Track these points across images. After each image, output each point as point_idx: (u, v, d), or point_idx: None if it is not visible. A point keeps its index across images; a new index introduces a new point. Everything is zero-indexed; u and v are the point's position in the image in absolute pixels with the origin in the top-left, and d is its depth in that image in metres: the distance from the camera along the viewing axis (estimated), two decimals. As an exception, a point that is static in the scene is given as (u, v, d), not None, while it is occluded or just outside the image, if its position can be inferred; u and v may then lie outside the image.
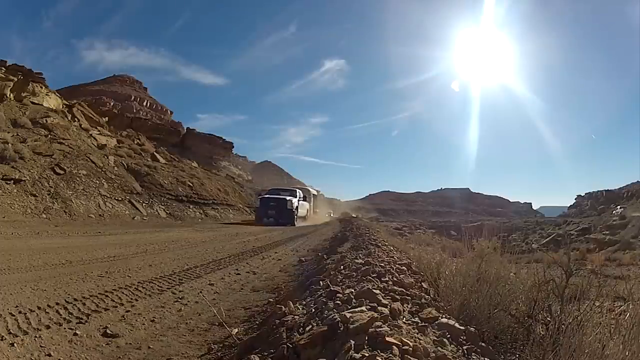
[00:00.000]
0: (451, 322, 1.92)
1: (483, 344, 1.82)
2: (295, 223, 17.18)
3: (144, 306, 3.04)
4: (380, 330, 1.54)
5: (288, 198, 17.62)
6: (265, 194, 21.70)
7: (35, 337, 2.21)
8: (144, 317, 2.79)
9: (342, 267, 3.71)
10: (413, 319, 1.95)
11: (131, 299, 3.19)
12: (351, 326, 1.61)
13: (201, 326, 2.73)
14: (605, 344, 1.72)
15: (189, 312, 3.03)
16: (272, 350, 1.75)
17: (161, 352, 2.25)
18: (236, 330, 2.60)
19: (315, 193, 29.99)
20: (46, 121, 16.29)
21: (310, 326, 1.90)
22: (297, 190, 20.43)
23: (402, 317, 1.95)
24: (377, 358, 1.35)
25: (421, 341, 1.61)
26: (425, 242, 11.12)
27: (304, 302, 2.62)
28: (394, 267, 3.52)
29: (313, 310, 2.29)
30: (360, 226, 13.41)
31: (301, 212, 19.03)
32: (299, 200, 18.69)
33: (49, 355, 2.04)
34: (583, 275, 2.62)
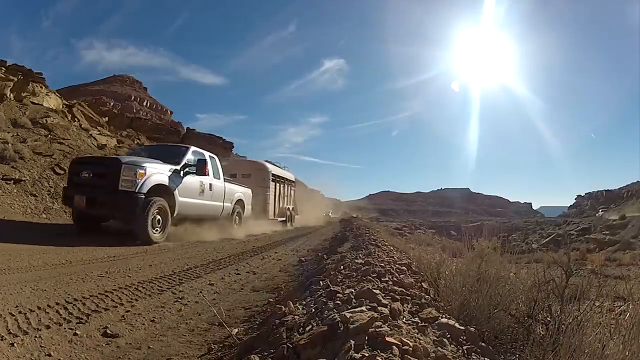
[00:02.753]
0: (451, 322, 1.92)
1: (483, 344, 1.82)
2: (153, 234, 6.65)
3: (144, 306, 3.04)
4: (380, 330, 1.55)
5: (127, 161, 6.64)
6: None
7: (35, 337, 2.21)
8: (144, 317, 2.78)
9: (342, 267, 3.71)
10: (413, 319, 1.95)
11: (131, 299, 3.19)
12: (351, 326, 1.61)
13: (201, 326, 2.73)
14: (605, 344, 1.72)
15: (189, 312, 3.03)
16: (272, 350, 1.75)
17: (161, 352, 2.25)
18: (236, 330, 2.60)
19: (291, 177, 17.79)
20: (46, 121, 16.28)
21: (310, 326, 1.90)
22: (196, 151, 8.43)
23: (402, 317, 1.95)
24: (377, 358, 1.35)
25: (421, 341, 1.61)
26: (425, 242, 11.14)
27: (304, 302, 2.62)
28: (394, 267, 3.52)
29: (313, 310, 2.29)
30: (360, 226, 13.41)
31: (202, 204, 8.19)
32: (183, 172, 7.53)
33: (49, 355, 2.04)
34: (583, 275, 2.62)
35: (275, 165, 16.60)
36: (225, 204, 9.38)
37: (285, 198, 16.97)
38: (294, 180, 18.88)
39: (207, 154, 8.86)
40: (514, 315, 2.23)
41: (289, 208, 17.24)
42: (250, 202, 11.20)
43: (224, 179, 9.56)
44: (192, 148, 8.44)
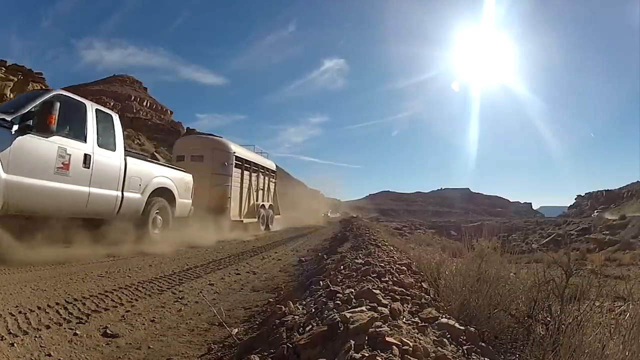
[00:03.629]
0: (451, 322, 1.92)
1: (483, 344, 1.82)
2: None
3: (144, 306, 3.04)
4: (380, 330, 1.55)
5: None
6: None
7: (35, 337, 2.21)
8: (144, 317, 2.79)
9: (342, 267, 3.71)
10: (413, 319, 1.95)
11: (131, 299, 3.19)
12: (351, 326, 1.61)
13: (201, 326, 2.73)
14: (605, 344, 1.72)
15: (189, 312, 3.03)
16: (272, 350, 1.75)
17: (161, 352, 2.25)
18: (236, 330, 2.60)
19: (269, 166, 14.08)
20: (46, 121, 16.30)
21: (310, 326, 1.90)
22: (59, 95, 4.71)
23: (402, 317, 1.96)
24: (377, 358, 1.35)
25: (421, 341, 1.61)
26: (425, 242, 11.14)
27: (304, 302, 2.62)
28: (394, 267, 3.52)
29: (313, 310, 2.29)
30: (360, 226, 13.42)
31: (64, 191, 4.63)
32: (19, 127, 4.14)
33: (49, 355, 2.04)
34: (583, 275, 2.62)
35: (247, 149, 12.50)
36: (126, 194, 5.68)
37: (260, 192, 12.86)
38: (274, 169, 14.70)
39: (89, 105, 5.24)
40: (514, 315, 2.23)
41: (263, 206, 12.95)
42: (190, 194, 7.43)
43: (129, 152, 6.08)
44: (55, 92, 4.87)
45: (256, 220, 12.23)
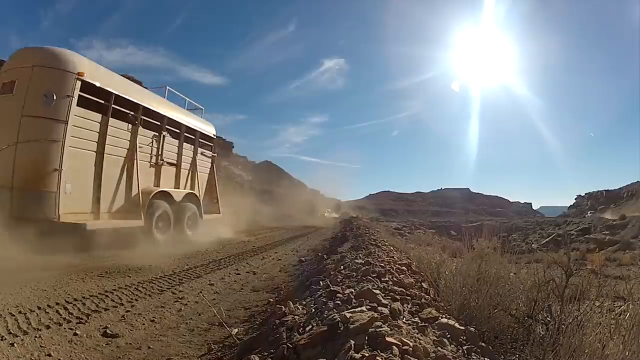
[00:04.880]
0: (451, 322, 1.92)
1: (483, 344, 1.82)
2: None
3: (144, 306, 3.04)
4: (380, 330, 1.55)
5: None
6: None
7: (35, 337, 2.21)
8: (144, 317, 2.79)
9: (342, 267, 3.71)
10: (413, 319, 1.95)
11: (131, 299, 3.19)
12: (351, 326, 1.61)
13: (201, 326, 2.73)
14: (605, 344, 1.72)
15: (189, 312, 3.03)
16: (272, 350, 1.75)
17: (161, 352, 2.25)
18: (236, 330, 2.60)
19: (201, 129, 8.25)
20: (46, 121, 16.28)
21: (310, 326, 1.90)
22: None
23: (402, 317, 1.96)
24: (377, 358, 1.35)
25: (421, 341, 1.61)
26: (425, 242, 11.10)
27: (304, 302, 2.62)
28: (394, 267, 3.52)
29: (313, 310, 2.29)
30: (360, 226, 13.41)
31: None
32: None
33: (49, 355, 2.04)
34: (583, 275, 2.62)
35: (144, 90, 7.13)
36: None
37: (166, 171, 7.21)
38: (212, 136, 9.02)
39: None
40: (514, 315, 2.23)
41: (168, 195, 7.00)
42: None
43: None
44: None
45: (141, 222, 6.12)
